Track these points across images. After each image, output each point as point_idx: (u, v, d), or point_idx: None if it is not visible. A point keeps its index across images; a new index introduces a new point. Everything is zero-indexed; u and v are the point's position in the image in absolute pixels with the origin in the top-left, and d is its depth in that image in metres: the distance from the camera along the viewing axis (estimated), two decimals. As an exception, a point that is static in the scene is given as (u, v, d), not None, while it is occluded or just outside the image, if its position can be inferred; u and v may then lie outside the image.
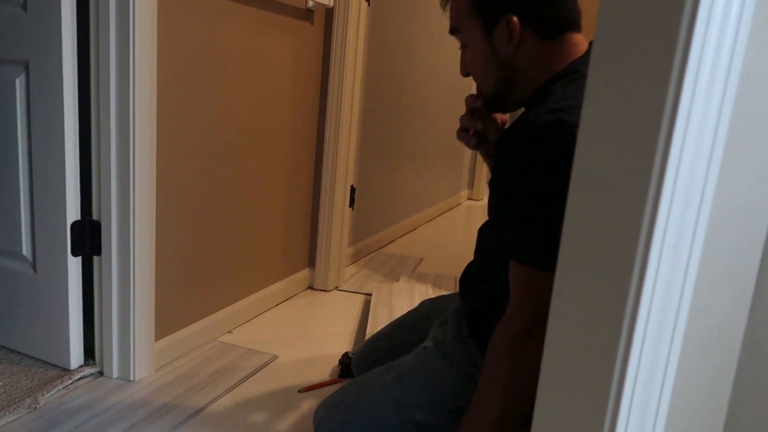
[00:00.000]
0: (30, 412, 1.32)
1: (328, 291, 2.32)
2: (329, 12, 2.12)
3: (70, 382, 1.45)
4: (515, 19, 0.94)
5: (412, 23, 3.00)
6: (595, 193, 0.53)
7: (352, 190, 2.36)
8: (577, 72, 0.93)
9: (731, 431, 0.76)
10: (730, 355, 0.73)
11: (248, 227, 1.91)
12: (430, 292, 2.33)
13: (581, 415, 0.56)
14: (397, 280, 2.50)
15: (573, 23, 0.98)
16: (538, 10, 0.94)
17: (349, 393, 1.14)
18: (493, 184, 0.93)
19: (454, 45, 3.74)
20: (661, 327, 0.54)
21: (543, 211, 0.83)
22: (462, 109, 4.17)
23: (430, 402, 1.06)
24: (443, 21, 3.44)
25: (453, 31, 1.06)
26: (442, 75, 3.68)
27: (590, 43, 0.98)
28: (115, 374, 1.51)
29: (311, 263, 2.33)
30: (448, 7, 1.07)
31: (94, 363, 1.53)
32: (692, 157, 0.49)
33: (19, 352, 1.57)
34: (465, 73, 1.08)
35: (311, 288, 2.33)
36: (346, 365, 1.59)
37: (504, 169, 0.89)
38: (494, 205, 0.93)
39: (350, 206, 2.36)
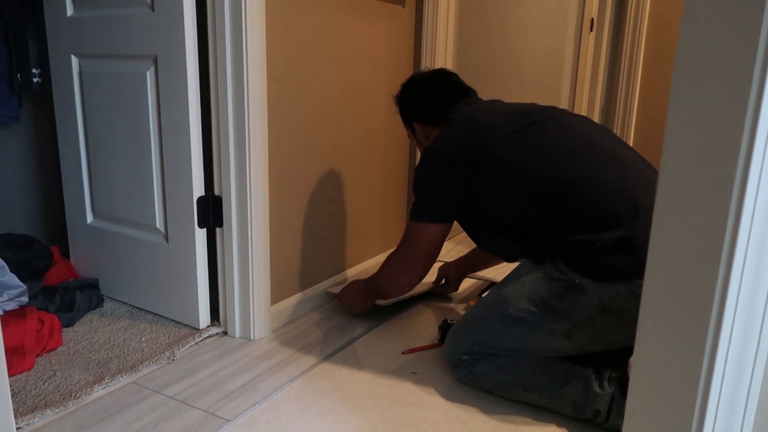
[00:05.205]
0: (169, 363, 1.51)
1: (425, 265, 2.40)
2: (420, -6, 2.18)
3: (200, 339, 1.63)
4: (416, 124, 1.64)
5: (504, 4, 3.01)
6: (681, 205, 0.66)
7: (446, 167, 2.42)
8: (448, 120, 1.54)
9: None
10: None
11: (349, 205, 2.03)
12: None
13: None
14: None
15: (454, 100, 1.56)
16: (429, 115, 1.60)
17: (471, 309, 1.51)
18: None
19: (551, 25, 3.69)
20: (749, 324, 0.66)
21: (423, 196, 1.48)
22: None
23: (519, 298, 1.35)
24: (537, 1, 3.41)
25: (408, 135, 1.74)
26: (538, 55, 3.65)
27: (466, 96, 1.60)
28: (237, 334, 1.68)
29: (408, 239, 2.42)
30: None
31: (219, 323, 1.71)
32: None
33: (156, 314, 1.78)
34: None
35: (409, 263, 2.43)
36: (446, 330, 1.67)
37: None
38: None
39: (444, 183, 2.43)
